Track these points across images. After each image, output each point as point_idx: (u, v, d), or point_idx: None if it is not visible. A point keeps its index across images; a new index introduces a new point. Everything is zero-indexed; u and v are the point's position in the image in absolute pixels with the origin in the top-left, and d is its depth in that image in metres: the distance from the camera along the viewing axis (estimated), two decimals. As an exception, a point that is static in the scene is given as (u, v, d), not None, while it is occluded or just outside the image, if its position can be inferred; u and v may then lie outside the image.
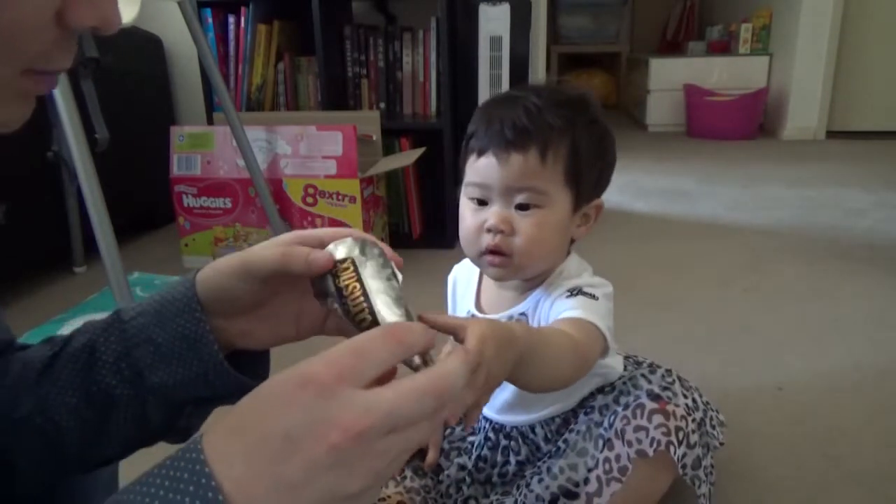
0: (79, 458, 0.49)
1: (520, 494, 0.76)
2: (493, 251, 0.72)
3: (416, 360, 0.37)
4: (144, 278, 1.60)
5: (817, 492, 0.88)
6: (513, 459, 0.81)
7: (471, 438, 0.85)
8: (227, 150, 1.66)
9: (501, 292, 0.79)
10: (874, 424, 1.03)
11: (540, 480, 0.74)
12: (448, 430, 0.86)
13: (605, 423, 0.74)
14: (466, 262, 0.83)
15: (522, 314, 0.76)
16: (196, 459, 0.31)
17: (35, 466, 0.48)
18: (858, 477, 0.91)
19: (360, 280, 0.42)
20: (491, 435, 0.82)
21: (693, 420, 0.72)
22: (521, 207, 0.71)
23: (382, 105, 1.97)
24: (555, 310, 0.72)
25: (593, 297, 0.71)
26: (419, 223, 2.00)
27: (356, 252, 0.43)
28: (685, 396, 0.78)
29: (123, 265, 1.14)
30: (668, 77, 3.96)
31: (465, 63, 1.84)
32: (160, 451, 0.38)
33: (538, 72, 2.28)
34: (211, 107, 1.89)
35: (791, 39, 3.57)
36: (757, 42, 3.86)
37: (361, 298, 0.41)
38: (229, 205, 1.69)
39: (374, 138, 1.76)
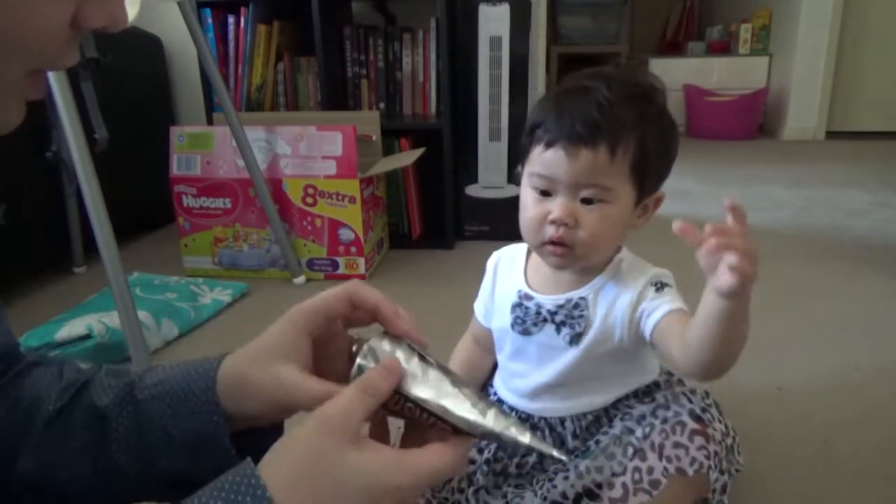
0: None
1: (541, 488, 0.76)
2: (555, 242, 0.72)
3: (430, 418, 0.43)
4: (144, 278, 1.60)
5: (817, 492, 0.88)
6: None
7: None
8: (227, 151, 1.66)
9: (557, 274, 0.79)
10: (874, 424, 1.03)
11: (566, 478, 0.74)
12: None
13: (639, 433, 0.74)
14: (512, 247, 0.84)
15: (582, 298, 0.76)
16: (263, 497, 0.34)
17: None
18: (858, 477, 0.90)
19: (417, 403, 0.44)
20: None
21: (724, 446, 0.73)
22: (586, 201, 0.71)
23: (382, 105, 1.97)
24: (649, 305, 0.73)
25: (672, 286, 0.74)
26: (419, 223, 2.00)
27: (400, 355, 0.45)
28: (720, 421, 0.78)
29: (123, 265, 1.14)
30: (668, 77, 3.92)
31: (465, 63, 1.84)
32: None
33: (538, 72, 2.27)
34: (211, 107, 1.89)
35: (791, 39, 3.58)
36: (757, 42, 3.86)
37: (426, 415, 0.44)
38: (229, 205, 1.69)
39: (374, 138, 1.76)
